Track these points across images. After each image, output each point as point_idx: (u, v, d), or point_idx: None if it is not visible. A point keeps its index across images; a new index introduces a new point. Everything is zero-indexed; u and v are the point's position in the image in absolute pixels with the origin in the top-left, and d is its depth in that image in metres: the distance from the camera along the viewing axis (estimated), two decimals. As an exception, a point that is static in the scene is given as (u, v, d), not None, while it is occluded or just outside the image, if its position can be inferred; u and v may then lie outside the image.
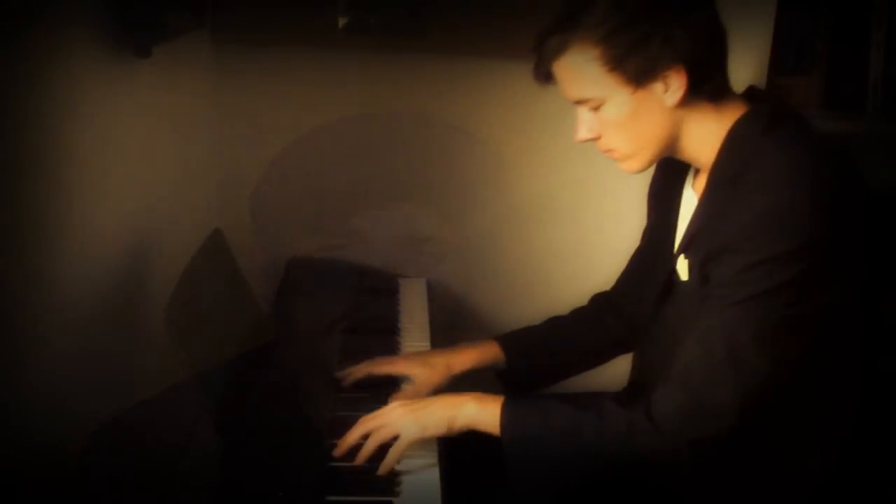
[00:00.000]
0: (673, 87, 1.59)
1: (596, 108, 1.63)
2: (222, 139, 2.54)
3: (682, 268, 1.66)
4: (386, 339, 2.09)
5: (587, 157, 2.55)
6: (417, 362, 1.92)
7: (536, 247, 2.65)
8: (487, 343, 1.98)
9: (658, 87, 1.59)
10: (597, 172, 2.58)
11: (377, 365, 1.91)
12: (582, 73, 1.61)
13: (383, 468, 1.59)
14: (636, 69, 1.58)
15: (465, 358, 1.93)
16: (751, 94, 1.68)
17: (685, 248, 1.65)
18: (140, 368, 1.90)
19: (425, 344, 2.08)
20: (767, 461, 1.61)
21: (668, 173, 1.79)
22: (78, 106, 1.59)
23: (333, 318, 2.17)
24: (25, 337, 1.42)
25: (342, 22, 2.44)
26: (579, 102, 1.65)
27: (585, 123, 1.66)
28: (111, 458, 1.72)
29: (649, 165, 1.69)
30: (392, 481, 1.58)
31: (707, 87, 1.61)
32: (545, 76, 1.65)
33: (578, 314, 2.04)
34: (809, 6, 2.40)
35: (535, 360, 1.99)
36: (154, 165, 2.00)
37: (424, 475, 1.60)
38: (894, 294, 1.69)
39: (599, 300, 2.03)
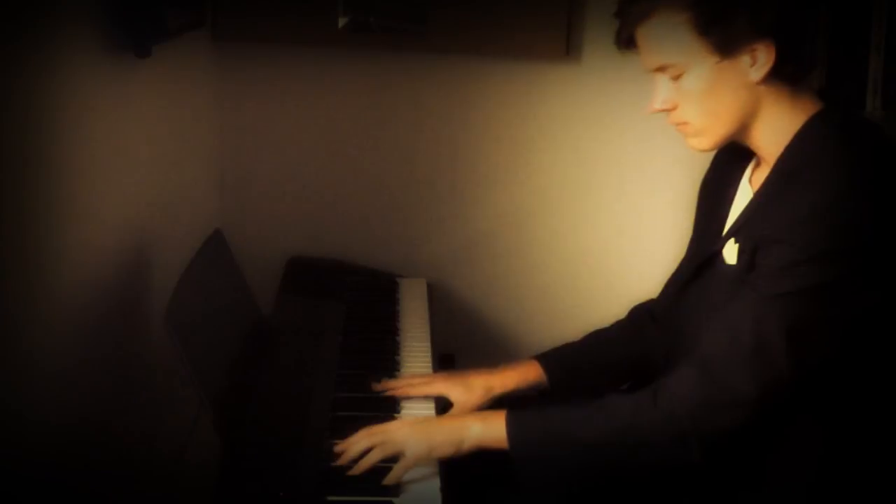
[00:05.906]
0: (760, 61, 1.55)
1: (676, 77, 1.59)
2: (222, 139, 2.54)
3: (730, 252, 1.63)
4: (386, 340, 2.08)
5: (588, 157, 2.58)
6: (456, 383, 1.84)
7: (537, 247, 2.65)
8: (528, 363, 1.89)
9: (744, 59, 1.56)
10: (599, 173, 2.59)
11: (415, 386, 1.84)
12: (667, 37, 1.56)
13: (388, 481, 1.57)
14: (725, 37, 1.54)
15: (505, 379, 1.85)
16: (821, 94, 1.66)
17: (736, 231, 1.63)
18: (140, 368, 1.90)
19: (425, 344, 2.08)
20: (773, 457, 1.60)
21: (725, 168, 1.75)
22: (78, 106, 1.59)
23: (333, 317, 2.17)
24: (26, 336, 1.42)
25: (342, 22, 2.44)
26: (659, 69, 1.60)
27: (662, 93, 1.61)
28: (112, 457, 1.72)
29: (718, 146, 1.65)
30: (392, 481, 1.58)
31: (790, 67, 1.57)
32: (627, 41, 1.61)
33: (619, 328, 1.94)
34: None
35: (579, 380, 1.89)
36: (154, 165, 2.00)
37: (425, 475, 1.60)
38: None
39: (640, 312, 1.93)
